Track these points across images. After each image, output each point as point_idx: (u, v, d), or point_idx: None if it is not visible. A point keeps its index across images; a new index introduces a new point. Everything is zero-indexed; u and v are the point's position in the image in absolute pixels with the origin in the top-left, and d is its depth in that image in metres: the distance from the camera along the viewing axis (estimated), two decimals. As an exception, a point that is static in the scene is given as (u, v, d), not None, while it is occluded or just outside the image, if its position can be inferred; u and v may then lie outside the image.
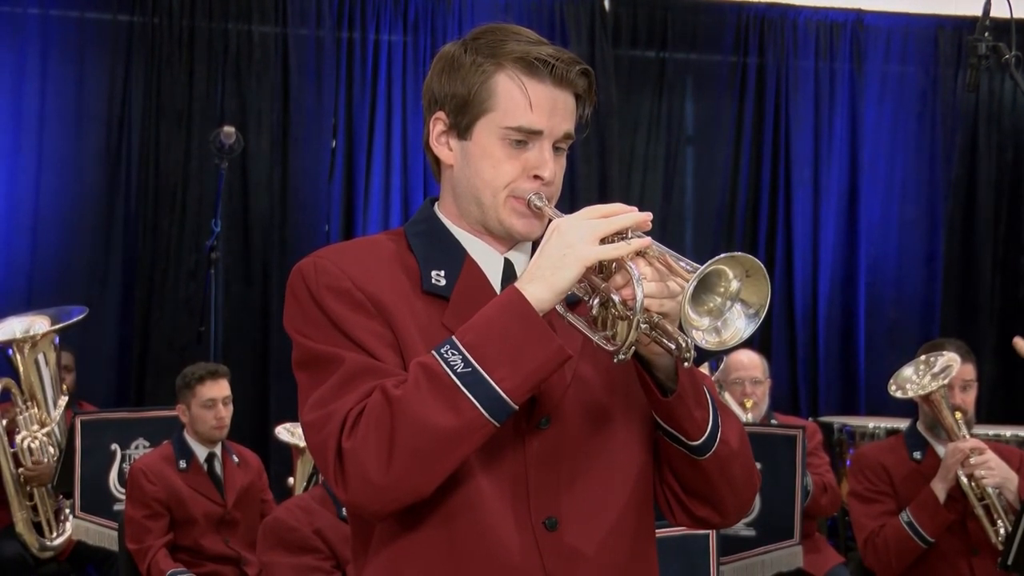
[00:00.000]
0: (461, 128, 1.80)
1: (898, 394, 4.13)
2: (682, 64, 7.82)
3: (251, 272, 7.16)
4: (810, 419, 6.41)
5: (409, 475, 1.62)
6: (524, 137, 1.77)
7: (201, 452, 4.78)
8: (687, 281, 1.57)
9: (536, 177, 1.78)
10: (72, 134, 6.99)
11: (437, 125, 1.83)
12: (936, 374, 4.06)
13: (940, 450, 4.09)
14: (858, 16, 7.88)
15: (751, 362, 5.28)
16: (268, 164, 7.19)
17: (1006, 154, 8.05)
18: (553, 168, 1.79)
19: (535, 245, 1.86)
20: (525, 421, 1.73)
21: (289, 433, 5.52)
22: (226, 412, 4.78)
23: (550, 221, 1.73)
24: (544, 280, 1.65)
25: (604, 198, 7.01)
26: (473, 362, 1.62)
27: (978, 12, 3.12)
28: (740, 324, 1.62)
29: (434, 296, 1.79)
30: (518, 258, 1.85)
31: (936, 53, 7.94)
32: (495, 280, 1.83)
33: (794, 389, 7.69)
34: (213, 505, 4.76)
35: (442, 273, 1.80)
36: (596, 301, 1.69)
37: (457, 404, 1.61)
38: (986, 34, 3.07)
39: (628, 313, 1.63)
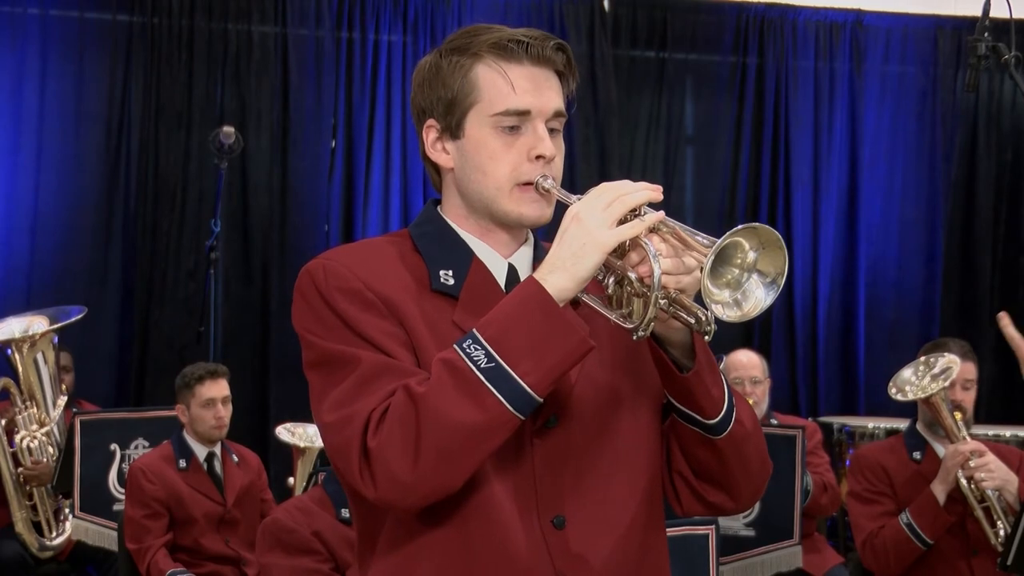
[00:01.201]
0: (452, 128, 1.80)
1: (898, 397, 4.10)
2: (682, 64, 7.81)
3: (251, 272, 7.16)
4: (810, 419, 6.40)
5: (437, 472, 1.62)
6: (515, 121, 1.77)
7: (201, 451, 4.78)
8: (703, 255, 1.55)
9: (538, 157, 1.77)
10: (71, 134, 6.98)
11: (430, 133, 1.83)
12: (936, 375, 4.03)
13: (939, 449, 4.08)
14: (858, 16, 7.88)
15: (750, 362, 5.28)
16: (268, 164, 7.18)
17: (1006, 154, 8.04)
18: (551, 145, 1.78)
19: (537, 244, 1.88)
20: (532, 420, 1.71)
21: (289, 433, 5.51)
22: (225, 412, 4.78)
23: (559, 204, 1.73)
24: (566, 270, 1.64)
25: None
26: (496, 356, 1.61)
27: (978, 12, 3.12)
28: (760, 294, 1.60)
29: (443, 295, 1.78)
30: (521, 262, 1.84)
31: (936, 53, 7.93)
32: (500, 284, 1.82)
33: (794, 389, 7.68)
34: (213, 504, 4.75)
35: (450, 272, 1.79)
36: (611, 280, 1.69)
37: (482, 400, 1.60)
38: (986, 34, 3.06)
39: (645, 290, 1.62)
